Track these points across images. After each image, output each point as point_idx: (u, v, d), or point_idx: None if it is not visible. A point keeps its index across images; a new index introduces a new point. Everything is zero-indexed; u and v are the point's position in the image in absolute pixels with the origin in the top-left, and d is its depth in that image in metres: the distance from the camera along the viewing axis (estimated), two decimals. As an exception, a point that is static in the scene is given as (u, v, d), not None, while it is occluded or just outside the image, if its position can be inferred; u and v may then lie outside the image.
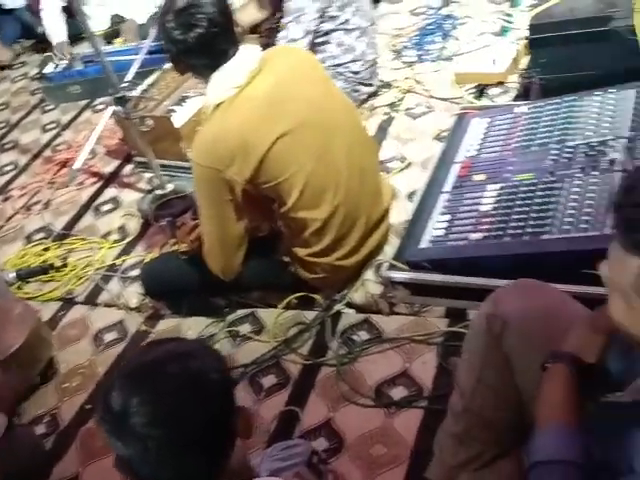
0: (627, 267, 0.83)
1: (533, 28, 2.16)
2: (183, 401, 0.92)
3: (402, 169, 2.43)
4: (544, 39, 2.14)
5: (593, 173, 1.78)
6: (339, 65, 2.63)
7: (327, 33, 2.58)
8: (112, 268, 2.45)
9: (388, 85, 2.85)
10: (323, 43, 2.59)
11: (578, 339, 1.15)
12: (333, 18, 2.56)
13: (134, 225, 2.63)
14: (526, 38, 2.21)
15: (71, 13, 3.39)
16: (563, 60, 2.15)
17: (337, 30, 2.59)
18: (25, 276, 2.52)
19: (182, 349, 0.97)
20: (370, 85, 2.77)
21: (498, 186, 1.92)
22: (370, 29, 2.68)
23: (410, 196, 2.26)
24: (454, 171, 2.09)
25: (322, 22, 2.54)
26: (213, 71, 1.73)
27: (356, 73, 2.68)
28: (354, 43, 2.62)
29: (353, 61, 2.65)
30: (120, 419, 0.91)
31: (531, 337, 1.29)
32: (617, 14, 2.10)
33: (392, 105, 2.74)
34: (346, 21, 2.58)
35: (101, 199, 2.85)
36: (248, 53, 1.77)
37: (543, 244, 1.69)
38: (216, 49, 1.71)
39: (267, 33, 3.02)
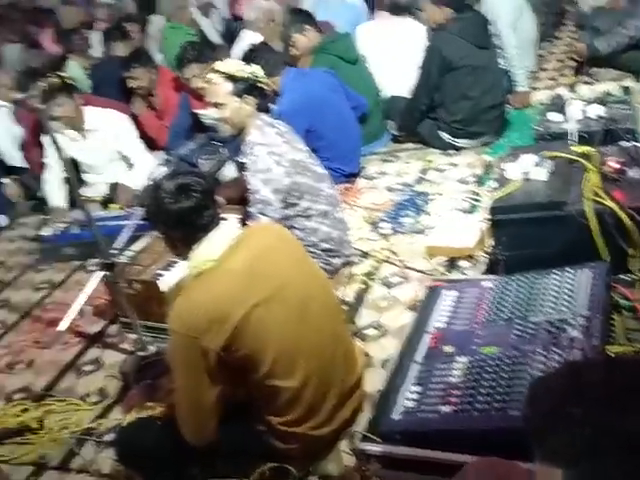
0: None
1: (493, 210, 2.36)
2: None
3: (378, 337, 2.52)
4: (504, 220, 2.33)
5: (554, 350, 1.87)
6: (308, 246, 2.74)
7: (288, 218, 2.75)
8: (88, 432, 2.44)
9: (365, 255, 3.02)
10: (288, 228, 2.75)
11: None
12: (293, 205, 2.73)
13: (114, 387, 2.65)
14: (488, 219, 2.40)
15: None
16: (522, 240, 2.32)
17: (298, 216, 2.77)
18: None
19: None
20: (341, 256, 2.92)
21: (466, 359, 1.99)
22: (331, 210, 2.85)
23: (384, 364, 2.33)
24: (425, 341, 2.18)
25: (284, 209, 2.72)
26: (194, 244, 1.87)
27: (325, 250, 2.84)
28: (316, 226, 2.80)
29: (321, 241, 2.82)
30: None
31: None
32: (570, 199, 2.32)
33: (369, 274, 2.90)
34: (305, 209, 2.76)
35: (84, 359, 2.90)
36: (228, 228, 1.92)
37: (511, 420, 1.73)
38: (201, 221, 1.85)
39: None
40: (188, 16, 5.73)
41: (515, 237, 2.35)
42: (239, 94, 2.66)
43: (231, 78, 2.66)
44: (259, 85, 2.72)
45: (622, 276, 2.19)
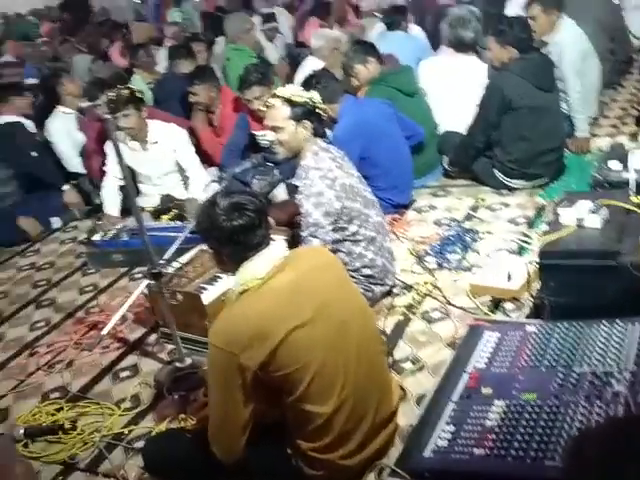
0: None
1: (543, 254, 2.31)
2: None
3: (414, 371, 2.49)
4: (553, 266, 2.28)
5: (597, 403, 1.80)
6: (350, 270, 2.76)
7: (336, 242, 2.76)
8: (119, 437, 2.47)
9: (408, 287, 3.00)
10: (334, 251, 2.73)
11: None
12: (342, 229, 2.75)
13: (148, 395, 2.68)
14: (537, 262, 2.36)
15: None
16: (571, 286, 2.26)
17: (346, 240, 2.78)
18: (33, 434, 2.55)
19: None
20: (383, 285, 2.91)
21: (504, 403, 1.94)
22: (378, 237, 2.85)
23: (419, 400, 2.29)
24: (463, 381, 2.13)
25: (334, 232, 2.73)
26: (243, 261, 1.89)
27: (368, 276, 2.84)
28: (362, 252, 2.80)
29: (364, 267, 2.82)
30: None
31: None
32: (624, 249, 2.25)
33: (410, 307, 2.87)
34: (353, 233, 2.77)
35: (121, 365, 2.94)
36: (276, 248, 1.94)
37: (546, 470, 1.68)
38: (252, 240, 1.88)
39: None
40: (252, 39, 5.86)
41: (563, 283, 2.29)
42: (297, 118, 2.70)
43: (289, 102, 2.70)
44: (316, 110, 2.76)
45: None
